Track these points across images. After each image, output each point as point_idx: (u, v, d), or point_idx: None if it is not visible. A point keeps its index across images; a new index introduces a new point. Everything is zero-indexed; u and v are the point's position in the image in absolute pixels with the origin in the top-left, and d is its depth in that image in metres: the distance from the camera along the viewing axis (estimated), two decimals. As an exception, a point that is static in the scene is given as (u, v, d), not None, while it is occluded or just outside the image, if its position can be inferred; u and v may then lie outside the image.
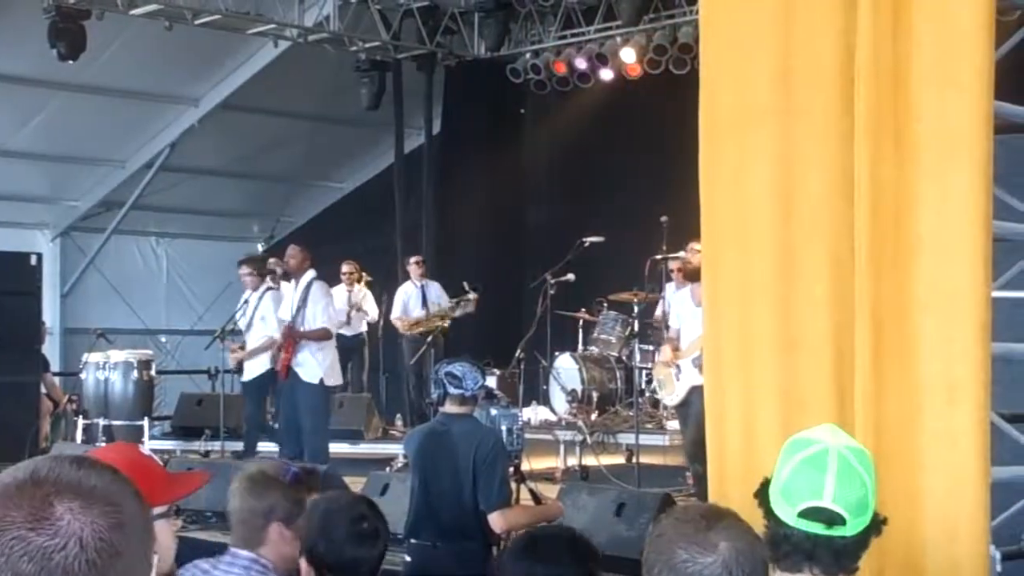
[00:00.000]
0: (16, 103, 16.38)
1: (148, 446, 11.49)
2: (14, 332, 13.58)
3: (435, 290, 14.69)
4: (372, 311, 15.12)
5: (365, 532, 3.92)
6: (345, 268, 14.82)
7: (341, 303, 13.95)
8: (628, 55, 15.67)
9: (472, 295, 13.77)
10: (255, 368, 11.87)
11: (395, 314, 14.67)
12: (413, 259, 14.94)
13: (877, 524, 3.17)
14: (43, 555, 1.60)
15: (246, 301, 12.13)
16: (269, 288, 11.89)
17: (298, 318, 11.23)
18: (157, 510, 2.86)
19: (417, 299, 14.59)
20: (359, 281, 15.03)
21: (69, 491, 1.65)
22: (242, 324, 12.28)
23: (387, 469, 11.08)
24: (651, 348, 12.03)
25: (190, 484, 3.24)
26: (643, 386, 12.69)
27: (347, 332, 14.17)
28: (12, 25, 14.67)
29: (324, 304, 11.38)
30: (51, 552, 1.60)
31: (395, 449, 12.05)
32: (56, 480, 1.66)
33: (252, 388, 12.05)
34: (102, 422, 12.85)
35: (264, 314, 11.80)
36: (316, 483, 4.15)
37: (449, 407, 6.51)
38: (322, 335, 11.30)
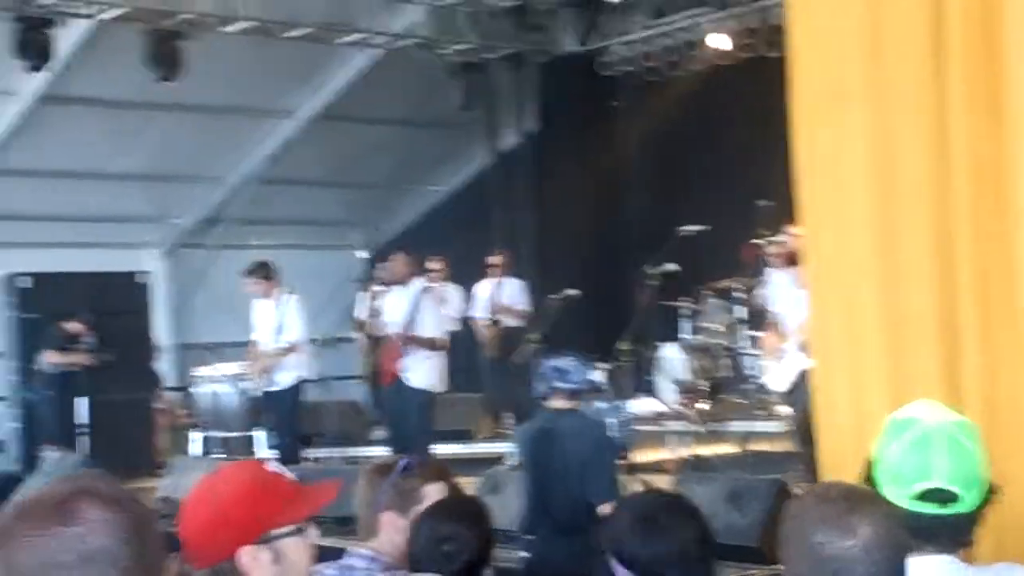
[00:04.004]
0: (115, 127, 16.64)
1: (260, 455, 11.72)
2: (126, 350, 13.88)
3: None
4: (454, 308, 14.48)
5: (447, 552, 3.98)
6: (434, 266, 14.49)
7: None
8: (718, 40, 15.56)
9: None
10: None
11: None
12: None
13: (991, 494, 3.13)
14: (79, 540, 1.76)
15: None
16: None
17: (410, 326, 11.28)
18: (285, 528, 2.81)
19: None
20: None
21: (87, 493, 1.81)
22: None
23: (499, 467, 11.11)
24: (757, 334, 11.94)
25: (319, 498, 2.99)
26: (751, 373, 12.59)
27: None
28: (109, 49, 14.90)
29: (436, 314, 11.44)
30: (85, 537, 1.76)
31: (506, 446, 12.09)
32: (75, 485, 1.83)
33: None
34: (216, 434, 13.03)
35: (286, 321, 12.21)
36: (437, 473, 4.21)
37: (555, 402, 6.49)
38: (433, 345, 11.36)
